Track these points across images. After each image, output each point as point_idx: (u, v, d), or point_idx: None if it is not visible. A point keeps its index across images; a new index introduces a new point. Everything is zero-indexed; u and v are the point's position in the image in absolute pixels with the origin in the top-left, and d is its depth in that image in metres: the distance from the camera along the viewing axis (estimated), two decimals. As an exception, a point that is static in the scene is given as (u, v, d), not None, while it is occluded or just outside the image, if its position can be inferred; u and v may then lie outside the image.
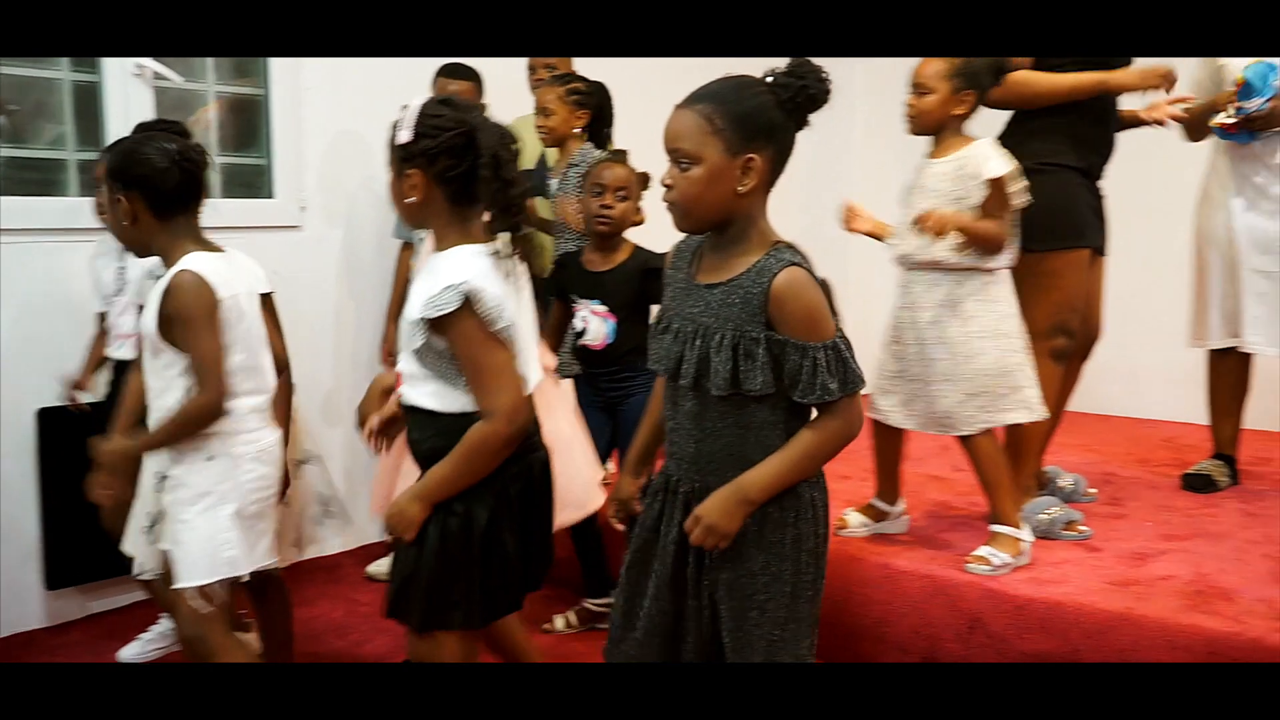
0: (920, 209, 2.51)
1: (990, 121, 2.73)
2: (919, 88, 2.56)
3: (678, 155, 1.60)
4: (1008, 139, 2.81)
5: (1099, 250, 2.92)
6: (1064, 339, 2.85)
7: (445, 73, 3.37)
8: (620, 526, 1.93)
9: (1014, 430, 2.85)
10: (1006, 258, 2.55)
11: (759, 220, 1.64)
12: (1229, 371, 3.30)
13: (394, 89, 3.44)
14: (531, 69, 3.58)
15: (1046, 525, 2.79)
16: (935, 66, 2.53)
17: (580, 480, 2.66)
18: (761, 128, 1.58)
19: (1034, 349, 2.79)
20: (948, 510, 3.03)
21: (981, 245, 2.49)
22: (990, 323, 2.53)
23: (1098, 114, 2.82)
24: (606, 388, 2.83)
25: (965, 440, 2.58)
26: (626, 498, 1.88)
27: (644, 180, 2.81)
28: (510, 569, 1.81)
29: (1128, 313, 4.10)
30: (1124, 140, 2.93)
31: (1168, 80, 2.74)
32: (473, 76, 3.40)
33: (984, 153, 2.52)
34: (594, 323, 2.79)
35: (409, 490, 1.81)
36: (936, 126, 2.57)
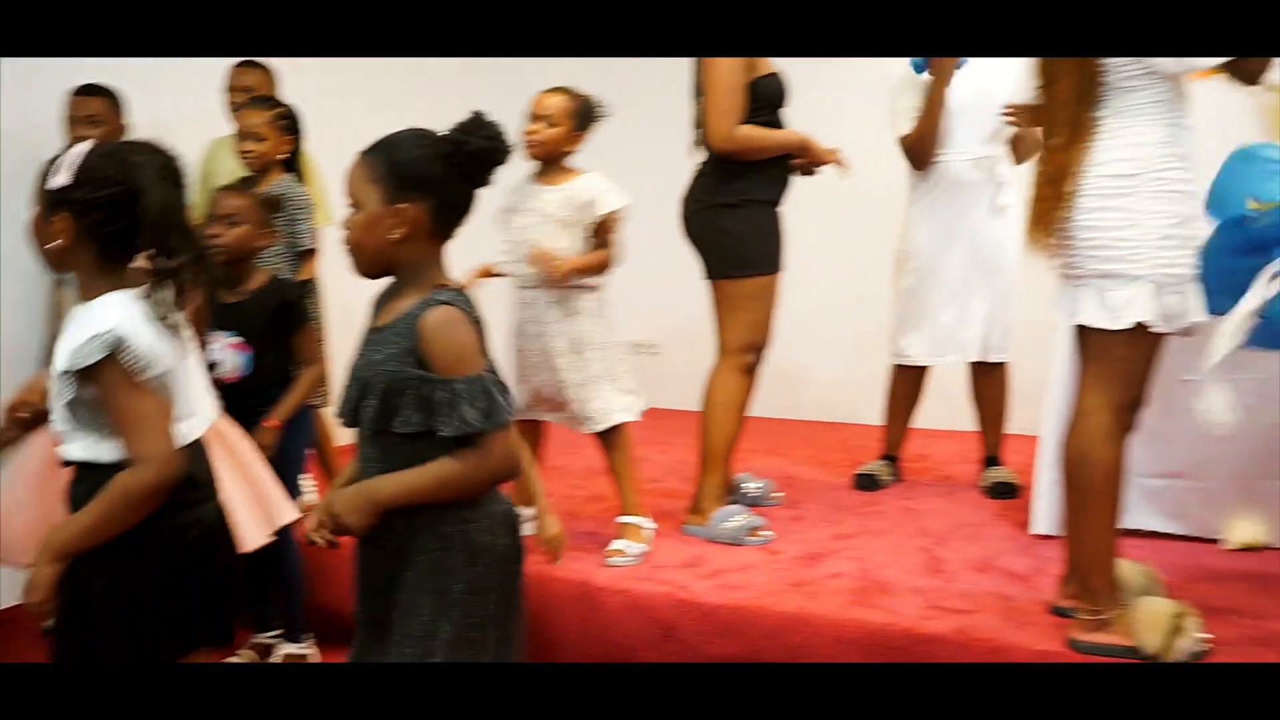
0: (535, 233, 2.79)
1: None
2: (548, 119, 2.79)
3: (348, 200, 1.68)
4: (713, 177, 3.04)
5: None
6: (754, 356, 3.10)
7: (80, 91, 3.18)
8: (319, 540, 1.84)
9: (705, 439, 3.08)
10: (608, 276, 2.88)
11: (427, 267, 1.70)
12: (910, 382, 3.64)
13: (44, 104, 3.21)
14: (230, 90, 3.45)
15: (733, 532, 2.99)
16: (561, 102, 2.79)
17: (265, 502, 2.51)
18: (417, 179, 1.64)
19: (728, 364, 3.07)
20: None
21: (596, 272, 2.82)
22: (599, 334, 2.85)
23: (782, 154, 3.08)
24: (246, 424, 2.67)
25: (603, 436, 2.87)
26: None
27: (272, 205, 2.82)
28: (183, 626, 1.77)
29: (812, 324, 4.45)
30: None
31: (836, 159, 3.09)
32: (109, 95, 3.23)
33: (600, 186, 2.81)
34: (227, 355, 2.72)
35: (40, 552, 1.72)
36: (556, 155, 2.82)
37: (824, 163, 3.04)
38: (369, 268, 1.70)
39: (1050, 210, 2.18)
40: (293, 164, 3.25)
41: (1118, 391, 2.20)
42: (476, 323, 1.68)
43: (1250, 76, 2.12)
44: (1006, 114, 3.25)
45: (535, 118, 2.82)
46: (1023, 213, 2.28)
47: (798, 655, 2.45)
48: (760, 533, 3.01)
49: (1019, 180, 3.39)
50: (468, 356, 1.63)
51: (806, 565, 2.82)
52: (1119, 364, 2.19)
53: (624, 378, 2.89)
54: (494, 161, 1.67)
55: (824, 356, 4.70)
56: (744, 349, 3.06)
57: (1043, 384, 2.96)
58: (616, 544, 2.86)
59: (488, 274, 2.91)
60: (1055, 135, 2.18)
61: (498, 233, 2.89)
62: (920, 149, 3.46)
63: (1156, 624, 2.14)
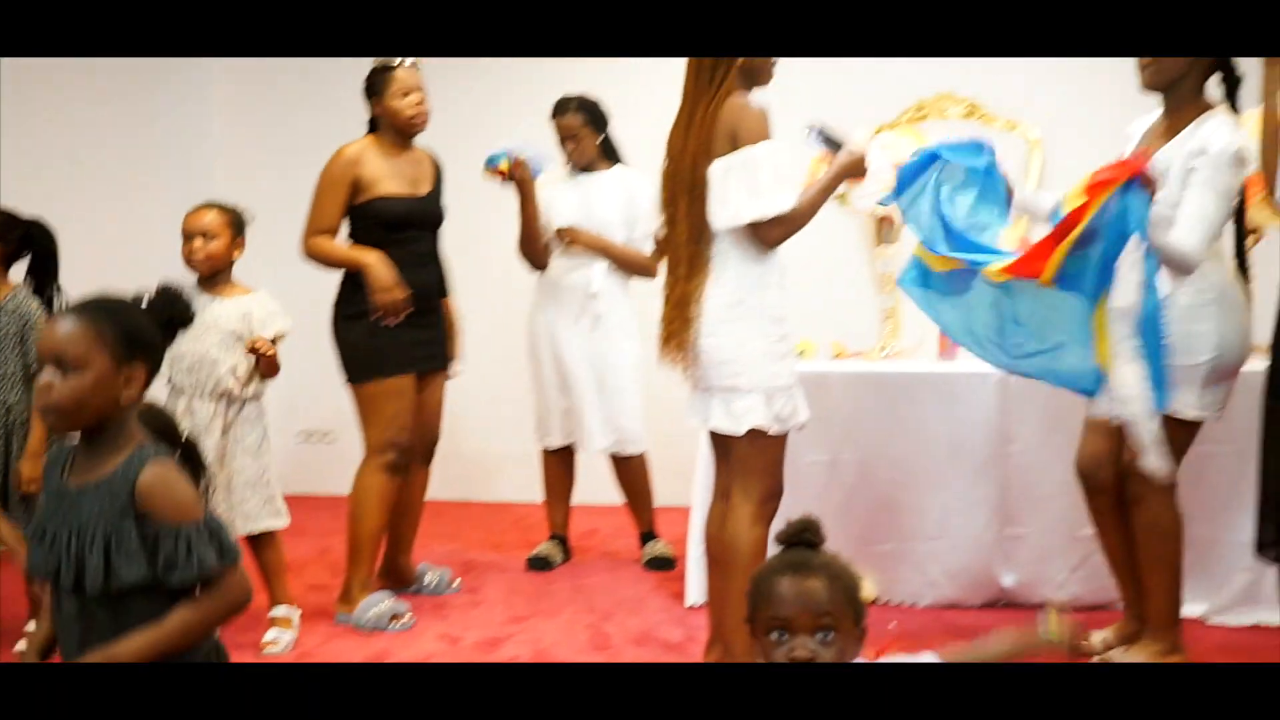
0: (205, 344, 2.95)
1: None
2: (205, 234, 2.99)
3: (62, 360, 1.67)
4: (343, 287, 3.30)
5: (432, 369, 3.41)
6: (394, 454, 3.29)
7: None
8: None
9: (351, 534, 3.28)
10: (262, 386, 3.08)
11: (129, 424, 1.76)
12: (559, 465, 3.93)
13: None
14: None
15: (375, 620, 3.17)
16: (215, 216, 3.02)
17: None
18: (144, 344, 1.74)
19: (369, 463, 3.28)
20: (312, 621, 3.25)
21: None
22: (252, 442, 3.05)
23: (417, 260, 3.31)
24: None
25: (253, 539, 3.04)
26: None
27: None
28: None
29: (483, 405, 4.68)
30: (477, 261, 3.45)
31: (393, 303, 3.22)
32: None
33: (271, 306, 3.05)
34: None
35: None
36: (222, 267, 3.04)
37: (379, 297, 3.19)
38: (80, 424, 1.73)
39: (678, 331, 2.56)
40: (42, 282, 3.10)
41: (754, 484, 2.58)
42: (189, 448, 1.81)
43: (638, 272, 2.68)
44: (561, 234, 3.67)
45: (190, 235, 3.00)
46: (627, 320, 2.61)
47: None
48: (403, 619, 3.20)
49: (624, 291, 3.82)
50: (189, 504, 1.70)
51: (484, 651, 3.02)
52: (750, 461, 2.57)
53: (271, 484, 3.07)
54: (189, 325, 1.83)
55: (495, 437, 4.93)
56: (382, 448, 3.27)
57: (692, 456, 3.31)
58: (269, 635, 3.04)
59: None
60: (677, 268, 2.58)
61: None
62: (524, 254, 3.77)
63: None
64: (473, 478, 4.94)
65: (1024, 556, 3.24)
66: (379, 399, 3.26)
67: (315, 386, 5.15)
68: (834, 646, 1.55)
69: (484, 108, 4.73)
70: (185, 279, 3.02)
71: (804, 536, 1.64)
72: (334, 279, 3.37)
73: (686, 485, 3.39)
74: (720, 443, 2.62)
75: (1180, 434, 2.59)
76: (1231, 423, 2.74)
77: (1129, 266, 2.51)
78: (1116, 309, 2.47)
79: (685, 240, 2.55)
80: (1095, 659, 2.77)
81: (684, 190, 2.54)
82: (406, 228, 3.30)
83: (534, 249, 3.75)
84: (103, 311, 1.72)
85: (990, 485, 3.21)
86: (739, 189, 2.45)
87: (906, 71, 4.43)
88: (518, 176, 3.58)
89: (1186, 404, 2.57)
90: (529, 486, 4.75)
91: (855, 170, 2.59)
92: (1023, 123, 4.42)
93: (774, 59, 2.61)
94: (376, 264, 3.19)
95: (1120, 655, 2.77)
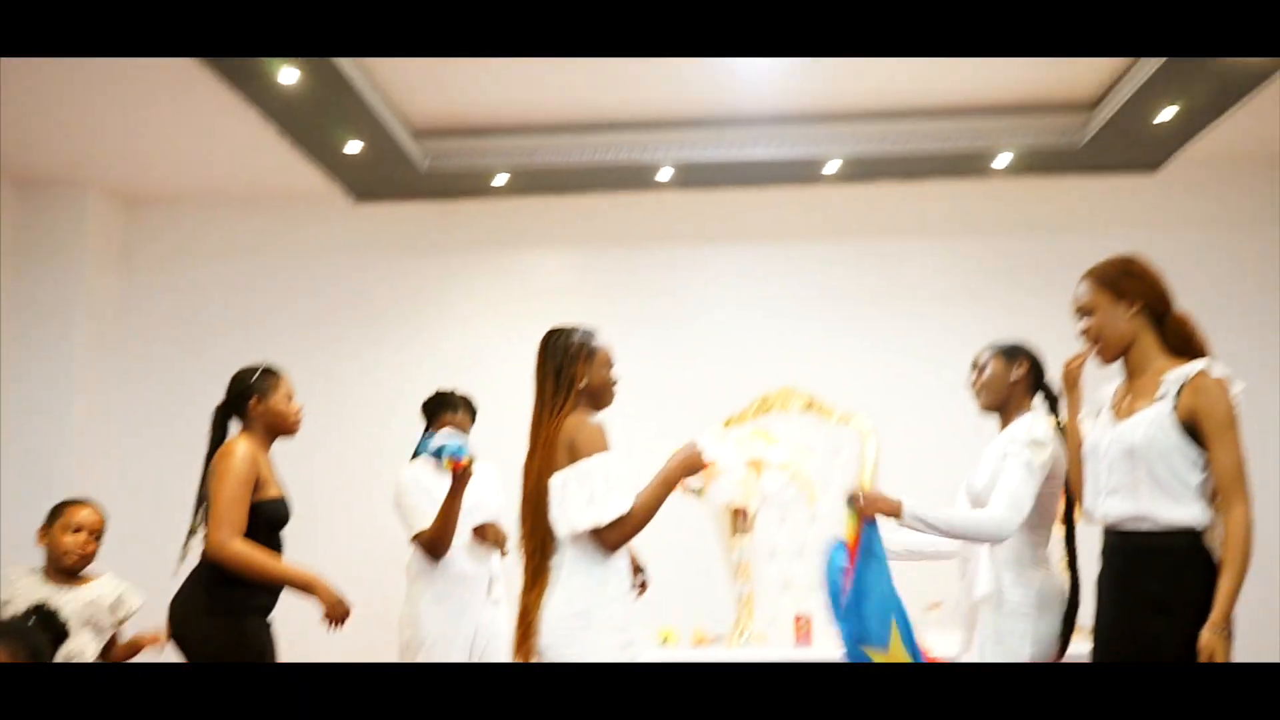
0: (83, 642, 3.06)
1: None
2: (90, 531, 3.21)
3: None
4: (213, 583, 3.06)
5: None
6: None
7: None
8: None
9: None
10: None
11: None
12: None
13: None
14: None
15: None
16: (96, 516, 3.25)
17: None
18: (45, 661, 1.92)
19: None
20: None
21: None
22: None
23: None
24: None
25: None
26: None
27: None
28: None
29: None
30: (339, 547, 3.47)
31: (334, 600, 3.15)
32: None
33: (121, 585, 3.23)
34: None
35: None
36: (88, 563, 3.23)
37: (330, 611, 3.12)
38: None
39: (522, 640, 2.66)
40: None
41: None
42: None
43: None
44: (486, 532, 3.74)
45: (75, 529, 3.20)
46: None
47: None
48: None
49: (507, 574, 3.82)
50: None
51: None
52: None
53: None
54: (63, 643, 2.07)
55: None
56: None
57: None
58: None
59: None
60: (525, 578, 2.71)
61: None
62: (440, 544, 3.67)
63: None
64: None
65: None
66: None
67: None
68: None
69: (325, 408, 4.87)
70: (25, 559, 3.23)
71: None
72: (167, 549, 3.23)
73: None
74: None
75: None
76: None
77: None
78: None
79: (530, 552, 2.70)
80: None
81: (531, 505, 2.70)
82: (280, 530, 3.28)
83: (449, 539, 3.67)
84: (14, 636, 1.89)
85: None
86: (576, 499, 2.60)
87: (752, 368, 4.85)
88: (465, 474, 3.55)
89: None
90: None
91: (689, 471, 2.76)
92: (856, 415, 4.82)
93: (615, 382, 2.80)
94: (323, 582, 3.12)
95: None
